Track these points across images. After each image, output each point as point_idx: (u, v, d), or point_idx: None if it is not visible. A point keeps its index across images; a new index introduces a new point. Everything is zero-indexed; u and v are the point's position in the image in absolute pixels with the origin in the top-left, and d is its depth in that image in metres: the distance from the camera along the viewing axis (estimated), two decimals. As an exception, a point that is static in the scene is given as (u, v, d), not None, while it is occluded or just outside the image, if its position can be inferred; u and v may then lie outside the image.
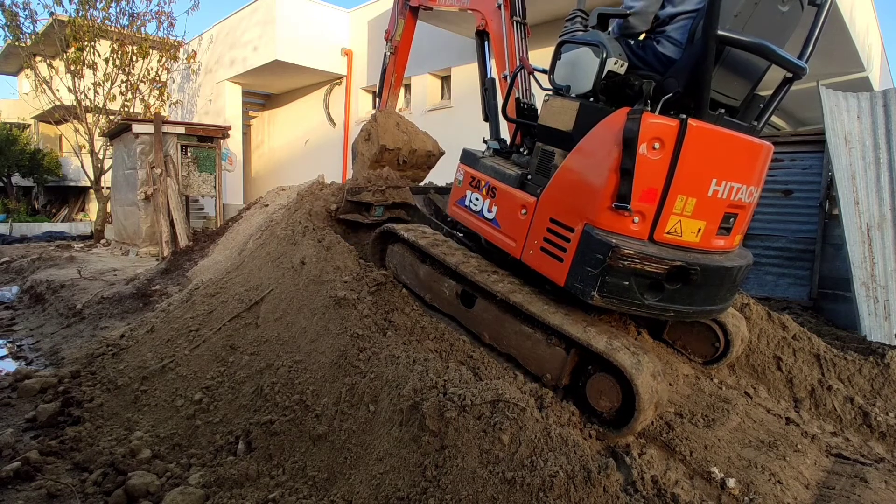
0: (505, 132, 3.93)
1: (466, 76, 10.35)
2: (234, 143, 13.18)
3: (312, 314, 3.23)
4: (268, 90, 14.92)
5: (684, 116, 2.29)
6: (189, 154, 10.39)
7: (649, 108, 2.33)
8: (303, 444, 2.62)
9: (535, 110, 3.65)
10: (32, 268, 8.53)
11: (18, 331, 5.75)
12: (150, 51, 13.28)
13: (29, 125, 22.79)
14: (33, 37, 13.27)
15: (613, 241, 2.36)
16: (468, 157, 3.41)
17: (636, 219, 2.41)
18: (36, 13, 13.10)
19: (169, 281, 6.39)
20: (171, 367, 3.43)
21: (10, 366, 4.53)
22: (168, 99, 14.33)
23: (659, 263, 2.39)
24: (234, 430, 2.83)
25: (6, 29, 12.92)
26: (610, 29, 2.79)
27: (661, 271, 2.40)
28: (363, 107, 12.56)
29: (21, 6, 12.70)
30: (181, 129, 10.32)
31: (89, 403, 3.26)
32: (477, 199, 3.19)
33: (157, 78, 13.74)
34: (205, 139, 10.65)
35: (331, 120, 13.18)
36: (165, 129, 9.99)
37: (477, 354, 3.00)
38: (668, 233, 2.46)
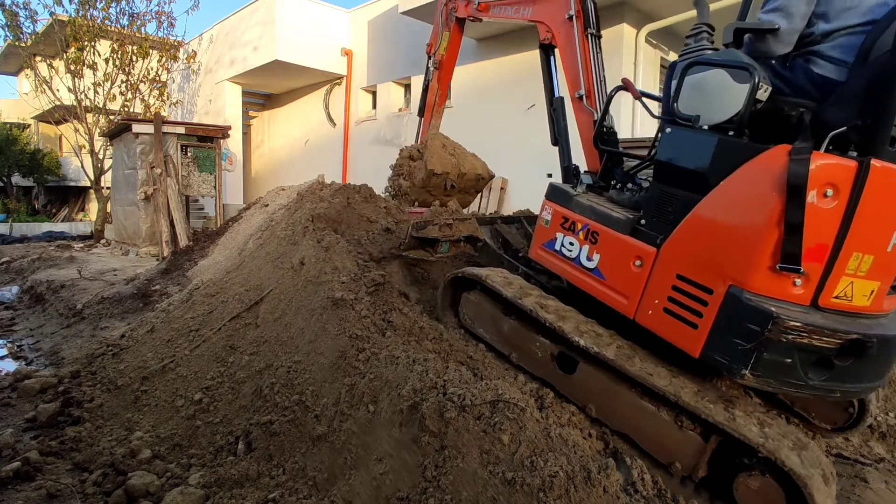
0: (570, 157, 3.56)
1: (466, 76, 10.35)
2: (234, 143, 13.19)
3: (311, 315, 3.23)
4: (268, 90, 14.93)
5: (856, 155, 1.95)
6: (189, 154, 10.40)
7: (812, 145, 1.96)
8: (303, 444, 2.62)
9: (616, 134, 3.35)
10: (32, 268, 8.53)
11: (18, 331, 5.75)
12: (150, 51, 13.30)
13: (29, 125, 22.81)
14: (33, 37, 13.28)
15: (773, 308, 1.97)
16: (557, 194, 2.96)
17: (797, 281, 2.01)
18: (36, 13, 13.13)
19: (169, 281, 6.39)
20: (172, 368, 3.44)
21: (10, 366, 4.53)
22: (168, 99, 14.34)
23: (831, 336, 1.98)
24: (234, 431, 2.83)
25: (6, 29, 12.95)
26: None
27: (832, 346, 1.99)
28: (363, 107, 12.57)
29: (21, 6, 12.72)
30: (181, 129, 10.33)
31: (89, 403, 3.26)
32: (571, 244, 2.76)
33: (157, 78, 13.75)
34: (205, 139, 10.65)
35: (331, 120, 13.19)
36: (165, 129, 10.00)
37: (477, 355, 3.00)
38: (837, 297, 2.05)
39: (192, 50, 14.20)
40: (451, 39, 4.92)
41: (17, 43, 13.28)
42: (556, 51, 3.78)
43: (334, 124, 13.12)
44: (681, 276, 2.24)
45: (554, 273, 2.97)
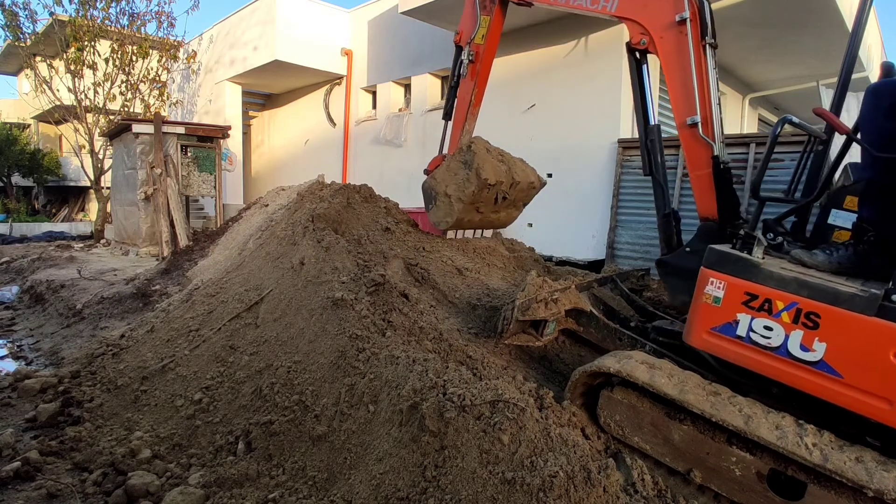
0: (670, 202, 3.02)
1: (466, 76, 10.33)
2: (234, 143, 13.18)
3: (310, 315, 3.23)
4: (268, 90, 14.92)
5: None
6: (189, 154, 10.39)
7: None
8: (302, 444, 2.62)
9: (731, 171, 2.86)
10: (32, 268, 8.53)
11: (18, 331, 5.75)
12: (150, 51, 13.29)
13: (29, 125, 22.82)
14: (33, 37, 13.27)
15: None
16: (730, 262, 2.33)
17: None
18: (36, 13, 13.12)
19: (169, 281, 6.39)
20: (171, 367, 3.43)
21: (10, 366, 4.53)
22: (168, 99, 14.33)
23: None
24: (234, 430, 2.83)
25: (6, 29, 12.92)
26: None
27: None
28: (363, 107, 12.56)
29: (21, 6, 12.70)
30: (181, 129, 10.32)
31: (89, 403, 3.26)
32: (769, 328, 2.17)
33: (157, 78, 13.74)
34: (205, 139, 10.65)
35: (331, 120, 13.18)
36: (165, 129, 9.99)
37: (476, 354, 3.00)
38: None
39: (192, 50, 14.19)
40: (493, 25, 4.01)
41: (17, 43, 13.26)
42: (651, 59, 3.09)
43: (334, 124, 13.11)
44: None
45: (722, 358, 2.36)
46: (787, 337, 2.13)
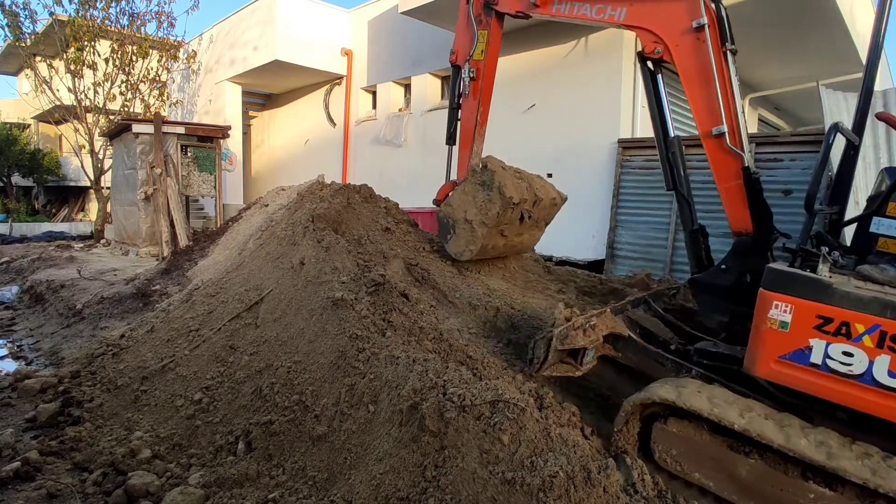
0: (696, 217, 2.89)
1: (466, 76, 10.31)
2: (234, 143, 13.18)
3: (310, 315, 3.23)
4: (268, 90, 14.93)
5: None
6: (189, 154, 10.40)
7: None
8: (302, 444, 2.62)
9: (761, 181, 2.73)
10: (32, 268, 8.53)
11: (18, 331, 5.75)
12: (150, 51, 13.29)
13: (29, 125, 22.83)
14: (33, 37, 13.28)
15: None
16: (793, 283, 2.13)
17: None
18: (36, 13, 13.12)
19: (169, 281, 6.38)
20: (171, 367, 3.43)
21: (10, 366, 4.53)
22: (168, 99, 14.33)
23: None
24: (234, 430, 2.83)
25: (6, 29, 12.94)
26: None
27: None
28: (363, 107, 12.57)
29: (21, 6, 12.71)
30: (181, 129, 10.32)
31: (89, 403, 3.26)
32: (850, 354, 1.99)
33: (157, 78, 13.75)
34: (205, 139, 10.65)
35: (331, 120, 13.18)
36: (165, 129, 10.00)
37: (476, 354, 3.00)
38: None
39: (192, 50, 14.19)
40: (491, 38, 3.88)
41: (17, 43, 13.26)
42: (665, 67, 2.97)
43: (334, 124, 13.11)
44: None
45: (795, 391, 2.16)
46: (871, 363, 1.95)
